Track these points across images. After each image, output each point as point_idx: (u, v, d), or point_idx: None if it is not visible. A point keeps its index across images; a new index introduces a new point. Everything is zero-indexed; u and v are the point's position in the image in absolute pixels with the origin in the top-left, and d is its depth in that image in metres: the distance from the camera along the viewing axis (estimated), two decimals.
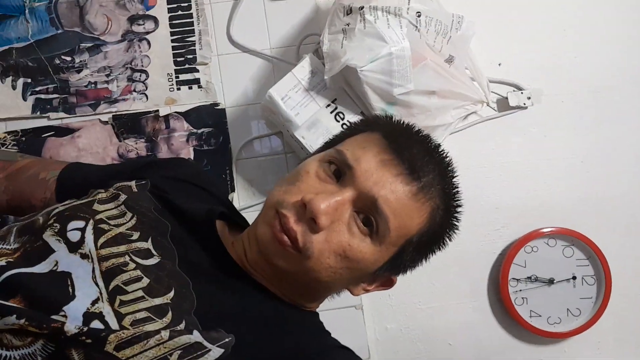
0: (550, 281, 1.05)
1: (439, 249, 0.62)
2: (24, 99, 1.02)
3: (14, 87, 1.02)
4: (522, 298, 1.05)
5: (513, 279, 1.05)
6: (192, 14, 1.05)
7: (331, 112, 0.91)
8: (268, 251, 0.57)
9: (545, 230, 1.05)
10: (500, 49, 1.08)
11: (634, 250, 1.08)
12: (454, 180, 0.61)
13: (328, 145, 0.66)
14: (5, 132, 1.01)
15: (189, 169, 0.78)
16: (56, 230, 0.56)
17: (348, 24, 0.85)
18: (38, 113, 1.02)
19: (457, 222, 0.62)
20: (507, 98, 1.05)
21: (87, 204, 0.61)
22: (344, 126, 0.90)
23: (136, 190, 0.65)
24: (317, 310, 0.67)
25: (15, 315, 0.48)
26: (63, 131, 1.03)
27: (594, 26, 1.09)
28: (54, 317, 0.49)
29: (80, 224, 0.57)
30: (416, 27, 0.85)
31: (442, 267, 1.07)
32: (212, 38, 1.06)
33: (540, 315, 1.05)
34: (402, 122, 0.64)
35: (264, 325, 0.58)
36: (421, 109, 0.89)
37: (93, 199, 0.62)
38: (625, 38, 1.10)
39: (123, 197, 0.62)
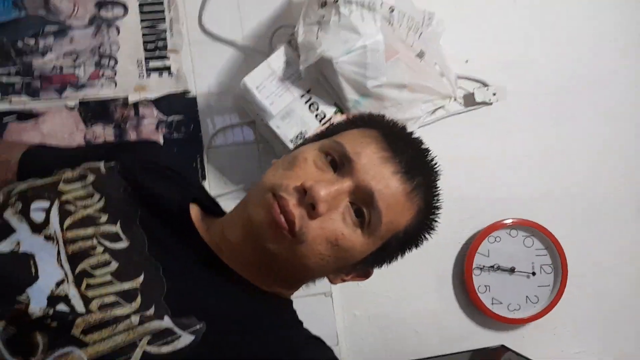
0: (512, 270, 1.10)
1: (417, 246, 0.65)
2: None
3: None
4: (485, 286, 1.10)
5: (477, 267, 1.09)
6: (162, 1, 1.04)
7: (305, 102, 0.91)
8: (260, 233, 0.56)
9: (507, 221, 1.09)
10: (468, 46, 1.11)
11: (588, 241, 1.15)
12: (437, 183, 0.64)
13: (322, 135, 0.66)
14: None
15: (160, 152, 0.77)
16: (18, 209, 0.55)
17: (323, 16, 0.86)
18: (0, 96, 0.99)
19: (437, 222, 0.65)
20: (473, 94, 1.09)
21: (52, 183, 0.60)
22: (318, 117, 0.91)
23: (104, 172, 0.64)
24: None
25: None
26: (26, 116, 0.99)
27: (559, 29, 1.14)
28: (17, 298, 0.48)
29: (44, 203, 0.57)
30: (389, 21, 0.87)
31: (408, 256, 1.08)
32: (183, 26, 1.04)
33: (501, 303, 1.10)
34: (397, 122, 0.66)
35: (236, 314, 0.58)
36: (393, 101, 0.91)
37: (58, 179, 0.61)
38: (588, 43, 1.15)
39: (91, 177, 0.61)
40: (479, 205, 1.12)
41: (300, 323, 0.64)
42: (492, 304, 1.10)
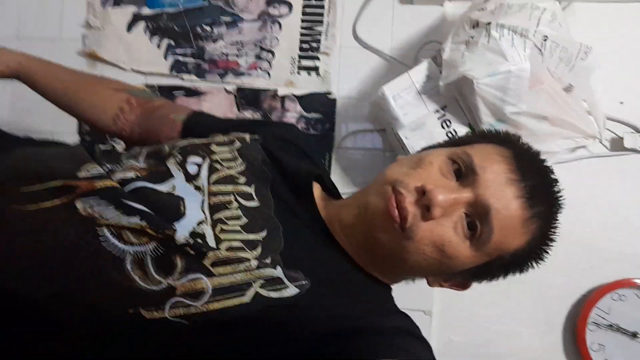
0: (634, 335, 1.00)
1: (520, 272, 0.65)
2: (165, 58, 1.15)
3: (158, 47, 1.15)
4: (599, 345, 1.01)
5: (593, 323, 1.01)
6: (324, 5, 1.12)
7: (439, 119, 0.93)
8: (373, 220, 0.60)
9: (638, 280, 1.00)
10: (625, 87, 1.04)
11: None
12: (558, 217, 0.63)
13: (453, 143, 0.68)
14: (145, 85, 1.15)
15: (298, 134, 0.85)
16: (178, 161, 0.64)
17: (472, 37, 0.87)
18: (174, 72, 1.14)
19: (547, 255, 0.64)
20: (622, 138, 1.01)
21: (206, 144, 0.69)
22: (449, 134, 0.92)
23: (249, 142, 0.72)
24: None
25: (139, 217, 0.55)
26: (192, 92, 1.14)
27: None
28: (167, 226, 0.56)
29: (198, 159, 0.65)
30: (540, 50, 0.85)
31: (520, 293, 1.05)
32: (338, 30, 1.12)
33: None
34: (532, 147, 0.66)
35: (339, 281, 0.62)
36: (529, 131, 0.89)
37: (211, 141, 0.69)
38: None
39: (237, 144, 0.70)
40: (607, 256, 1.03)
41: (398, 310, 0.66)
42: None
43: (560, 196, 0.63)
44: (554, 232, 0.63)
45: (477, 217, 0.58)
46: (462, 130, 0.93)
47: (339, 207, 0.68)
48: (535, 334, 1.06)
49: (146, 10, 1.16)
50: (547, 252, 0.63)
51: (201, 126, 0.81)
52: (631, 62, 1.04)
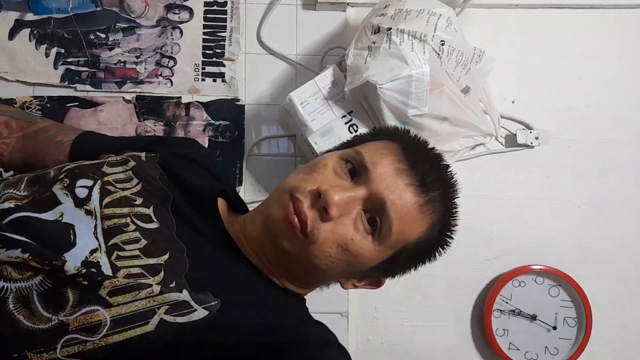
0: (533, 317, 1.08)
1: (429, 261, 0.67)
2: (55, 67, 1.06)
3: (47, 55, 1.06)
4: (504, 329, 1.08)
5: (497, 309, 1.08)
6: (226, 10, 1.09)
7: (346, 123, 0.94)
8: (276, 231, 0.60)
9: (535, 267, 1.08)
10: (515, 87, 1.11)
11: (617, 300, 1.11)
12: (455, 200, 0.65)
13: (346, 145, 0.70)
14: (32, 97, 1.05)
15: (199, 150, 0.82)
16: (65, 185, 0.60)
17: (374, 42, 0.89)
18: (66, 83, 1.06)
19: (451, 239, 0.66)
20: (515, 135, 1.08)
21: (97, 165, 0.65)
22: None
23: (145, 160, 0.68)
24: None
25: (20, 249, 0.51)
26: (87, 104, 1.07)
27: (609, 78, 1.13)
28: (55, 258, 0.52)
29: (88, 182, 0.61)
30: (438, 54, 0.89)
31: (430, 287, 1.10)
32: (242, 36, 1.10)
33: (518, 349, 1.08)
34: (419, 137, 0.69)
35: (250, 298, 0.61)
36: (432, 132, 0.93)
37: (103, 162, 0.66)
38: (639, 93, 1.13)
39: (132, 163, 0.66)
40: (507, 246, 1.10)
41: (313, 319, 0.65)
42: (509, 349, 1.08)
43: (454, 180, 0.65)
44: (455, 216, 0.65)
45: (375, 212, 0.59)
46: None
47: (244, 222, 0.67)
48: (447, 326, 1.10)
49: (30, 16, 1.06)
50: (451, 237, 0.65)
51: (92, 147, 0.76)
52: (521, 64, 1.12)
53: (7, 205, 0.56)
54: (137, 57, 1.08)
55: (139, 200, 0.62)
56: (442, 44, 0.89)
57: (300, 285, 0.67)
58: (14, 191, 0.59)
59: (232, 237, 0.65)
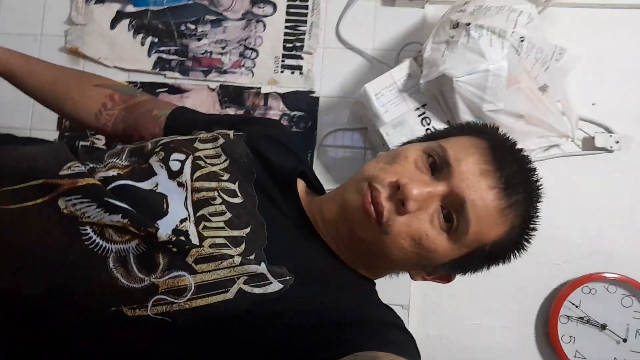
0: (603, 326, 1.04)
1: (503, 262, 0.65)
2: (149, 55, 1.15)
3: (142, 44, 1.16)
4: (570, 337, 1.05)
5: (564, 315, 1.05)
6: (308, 5, 1.14)
7: (419, 116, 0.96)
8: (351, 217, 0.62)
9: (607, 275, 1.04)
10: (597, 89, 1.08)
11: None
12: (538, 205, 0.64)
13: (430, 137, 0.69)
14: (127, 82, 1.15)
15: (283, 131, 0.85)
16: (161, 158, 0.64)
17: (452, 37, 0.90)
18: (158, 70, 1.15)
19: (528, 244, 0.64)
20: (594, 138, 1.05)
21: (189, 140, 0.69)
22: (429, 131, 0.95)
23: (233, 138, 0.72)
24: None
25: (121, 215, 0.55)
26: (175, 90, 1.15)
27: None
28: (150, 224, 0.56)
29: (181, 156, 0.65)
30: (517, 50, 0.89)
31: (496, 287, 1.08)
32: (321, 30, 1.14)
33: (585, 358, 1.04)
34: (508, 137, 0.67)
35: (323, 276, 0.63)
36: (506, 129, 0.91)
37: (195, 137, 0.70)
38: None
39: (221, 140, 0.69)
40: (579, 252, 1.07)
41: (383, 304, 0.66)
42: (575, 357, 1.04)
43: (539, 184, 0.64)
44: (535, 221, 0.64)
45: (454, 209, 0.59)
46: (441, 128, 0.95)
47: (321, 203, 0.68)
48: (511, 327, 1.09)
49: (130, 8, 1.16)
50: (529, 242, 0.64)
51: (185, 122, 0.81)
52: (603, 65, 1.09)
53: (111, 173, 0.61)
54: (223, 48, 1.15)
55: (226, 176, 0.65)
56: (522, 40, 0.89)
57: (370, 271, 0.68)
58: (117, 160, 0.65)
59: (309, 216, 0.67)
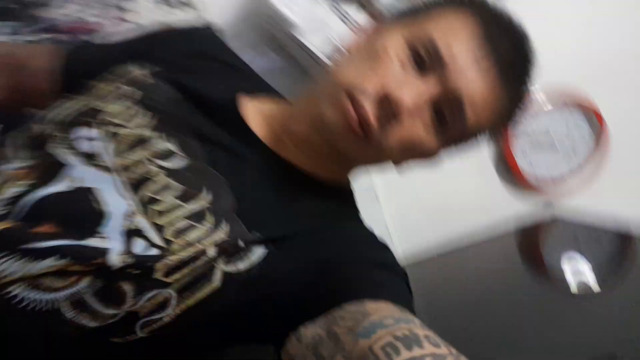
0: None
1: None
2: None
3: None
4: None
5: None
6: None
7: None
8: (332, 133, 0.54)
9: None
10: None
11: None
12: (530, 86, 0.59)
13: (408, 16, 0.58)
14: None
15: (208, 41, 0.70)
16: (61, 141, 0.51)
17: None
18: None
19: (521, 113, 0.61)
20: None
21: (91, 106, 0.54)
22: (343, 18, 0.92)
23: (152, 83, 0.59)
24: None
25: (54, 257, 0.45)
26: None
27: None
28: (90, 243, 0.46)
29: (86, 130, 0.52)
30: None
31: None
32: None
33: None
34: (502, 10, 0.58)
35: (303, 220, 0.56)
36: None
37: (96, 94, 0.56)
38: None
39: (138, 93, 0.56)
40: None
41: (362, 221, 0.63)
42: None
43: (532, 54, 0.57)
44: (524, 101, 0.59)
45: (447, 108, 0.53)
46: (353, 11, 0.93)
47: (285, 121, 0.59)
48: (469, 170, 1.16)
49: None
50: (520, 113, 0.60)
51: (87, 64, 0.64)
52: None
53: (8, 192, 0.47)
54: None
55: (157, 136, 0.53)
56: None
57: (345, 176, 0.65)
58: (7, 167, 0.50)
59: (263, 141, 0.58)
